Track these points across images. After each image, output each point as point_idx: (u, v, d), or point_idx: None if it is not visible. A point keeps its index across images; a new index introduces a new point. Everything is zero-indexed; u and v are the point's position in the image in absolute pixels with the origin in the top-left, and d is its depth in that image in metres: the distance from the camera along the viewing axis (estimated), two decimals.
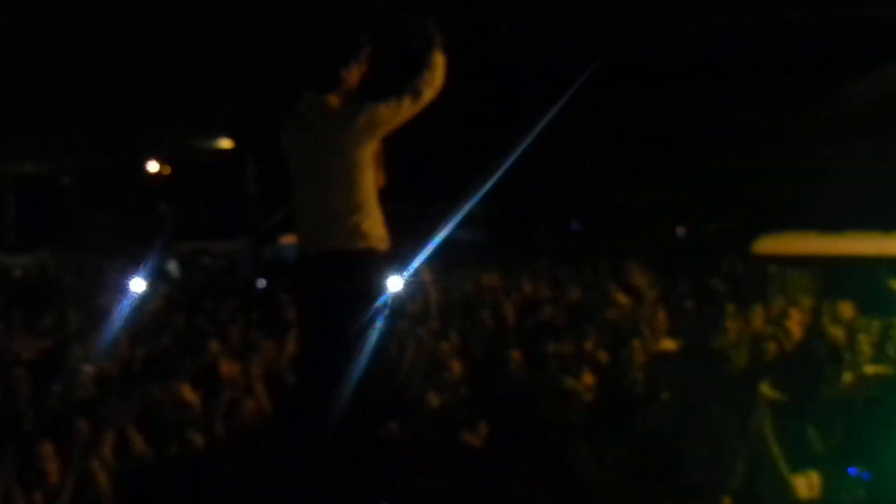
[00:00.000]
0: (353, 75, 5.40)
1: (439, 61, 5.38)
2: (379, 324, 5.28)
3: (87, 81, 21.10)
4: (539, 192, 24.95)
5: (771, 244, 14.76)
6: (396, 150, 5.59)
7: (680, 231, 26.06)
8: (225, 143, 27.18)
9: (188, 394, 8.16)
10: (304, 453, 5.58)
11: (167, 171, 29.27)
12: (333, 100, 5.34)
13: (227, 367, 8.81)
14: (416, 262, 6.74)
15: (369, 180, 5.31)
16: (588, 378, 8.25)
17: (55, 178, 29.46)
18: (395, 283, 5.58)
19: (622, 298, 11.62)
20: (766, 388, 7.55)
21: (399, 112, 5.29)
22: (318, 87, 5.40)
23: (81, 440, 6.10)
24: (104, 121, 25.01)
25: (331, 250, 5.26)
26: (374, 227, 5.31)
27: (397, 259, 5.75)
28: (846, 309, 10.52)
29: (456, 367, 8.91)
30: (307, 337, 5.53)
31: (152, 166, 28.99)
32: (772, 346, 9.06)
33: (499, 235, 25.53)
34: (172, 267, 22.43)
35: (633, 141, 23.74)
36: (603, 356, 9.11)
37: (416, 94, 5.31)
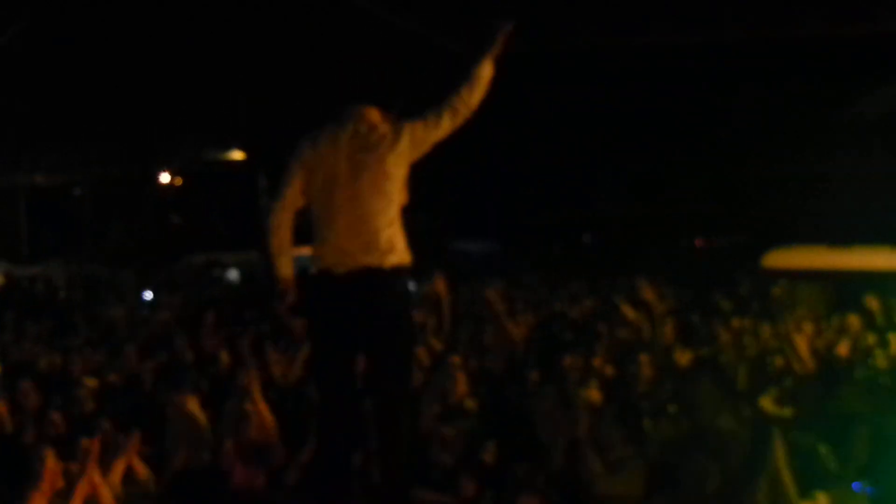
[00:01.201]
0: (393, 94, 5.39)
1: (486, 74, 5.32)
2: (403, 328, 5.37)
3: (99, 94, 21.23)
4: (551, 204, 24.98)
5: (781, 258, 14.72)
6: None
7: (690, 244, 26.00)
8: (237, 155, 27.27)
9: (195, 407, 8.11)
10: (321, 469, 5.56)
11: (179, 182, 29.40)
12: (375, 115, 5.32)
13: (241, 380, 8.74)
14: (430, 273, 6.75)
15: (401, 197, 5.32)
16: (595, 393, 8.21)
17: (67, 189, 29.58)
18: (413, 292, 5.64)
19: (631, 313, 11.56)
20: (767, 403, 7.52)
21: (437, 130, 5.29)
22: (360, 101, 5.36)
23: (84, 456, 6.09)
24: (117, 133, 25.14)
25: (364, 268, 5.24)
26: (402, 241, 5.35)
27: (415, 270, 5.77)
28: (855, 323, 10.48)
29: (463, 380, 8.86)
30: (335, 354, 5.48)
31: (164, 178, 29.12)
32: (780, 361, 9.01)
33: (510, 247, 25.52)
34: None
35: (645, 154, 23.74)
36: (610, 371, 9.07)
37: (455, 113, 5.28)
